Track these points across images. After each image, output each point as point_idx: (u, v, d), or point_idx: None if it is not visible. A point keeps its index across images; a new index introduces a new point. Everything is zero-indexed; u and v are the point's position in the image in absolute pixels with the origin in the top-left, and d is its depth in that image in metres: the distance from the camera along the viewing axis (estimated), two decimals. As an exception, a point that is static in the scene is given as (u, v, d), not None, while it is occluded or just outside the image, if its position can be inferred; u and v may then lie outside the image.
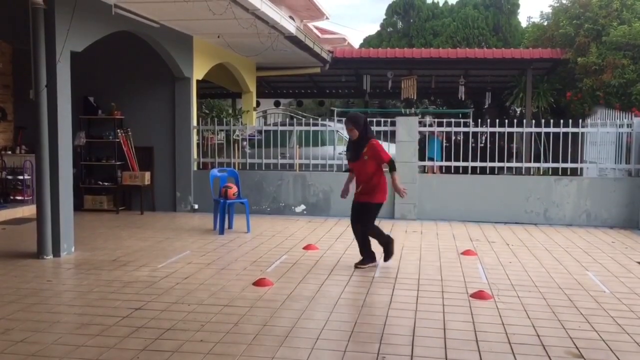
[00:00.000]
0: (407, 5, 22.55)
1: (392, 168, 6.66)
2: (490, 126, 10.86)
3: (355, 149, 6.68)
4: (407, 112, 17.55)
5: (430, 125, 11.48)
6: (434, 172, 12.07)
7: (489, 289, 6.04)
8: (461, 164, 10.71)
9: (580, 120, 11.25)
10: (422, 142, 11.96)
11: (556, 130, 10.43)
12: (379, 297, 5.73)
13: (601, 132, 11.22)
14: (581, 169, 11.02)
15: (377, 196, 6.68)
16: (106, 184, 11.28)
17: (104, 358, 4.16)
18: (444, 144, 12.84)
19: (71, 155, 7.66)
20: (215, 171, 9.61)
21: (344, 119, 6.93)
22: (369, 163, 6.60)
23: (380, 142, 6.82)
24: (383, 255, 6.99)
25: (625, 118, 11.01)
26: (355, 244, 8.32)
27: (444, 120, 11.05)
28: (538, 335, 4.72)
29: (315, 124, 11.57)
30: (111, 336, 4.58)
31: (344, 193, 7.09)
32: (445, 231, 9.49)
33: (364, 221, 6.77)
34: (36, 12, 6.99)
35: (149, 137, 11.27)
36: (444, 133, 12.02)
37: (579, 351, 4.41)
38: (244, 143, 11.82)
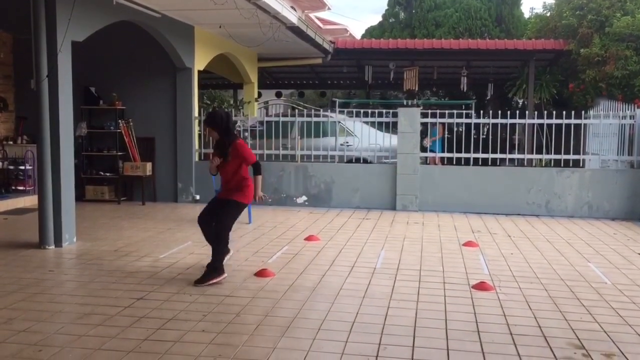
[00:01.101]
0: (410, -4, 22.42)
1: (257, 171, 6.26)
2: (493, 117, 10.84)
3: (220, 149, 6.19)
4: (409, 104, 17.52)
5: (434, 116, 11.43)
6: (435, 164, 12.05)
7: (491, 280, 6.04)
8: (463, 155, 10.68)
9: (582, 112, 11.22)
10: (422, 135, 11.93)
11: (558, 121, 10.40)
12: (381, 288, 5.73)
13: (604, 124, 11.19)
14: (583, 160, 11.00)
15: (241, 195, 6.13)
16: (107, 174, 11.29)
17: (106, 348, 4.17)
18: (446, 136, 12.80)
19: (72, 145, 7.65)
20: (216, 162, 9.58)
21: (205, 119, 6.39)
22: (231, 163, 6.12)
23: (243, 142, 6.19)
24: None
25: (628, 109, 10.98)
26: (357, 235, 8.35)
27: (446, 111, 11.01)
28: (540, 327, 4.72)
29: (316, 115, 11.54)
30: (113, 326, 4.59)
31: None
32: (447, 222, 9.48)
33: (225, 218, 6.03)
34: (37, 2, 6.96)
35: (150, 127, 11.26)
36: (446, 125, 11.97)
37: (581, 342, 4.41)
38: (246, 134, 11.80)
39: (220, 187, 6.37)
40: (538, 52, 15.47)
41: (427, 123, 11.71)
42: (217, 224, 6.04)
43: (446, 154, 11.11)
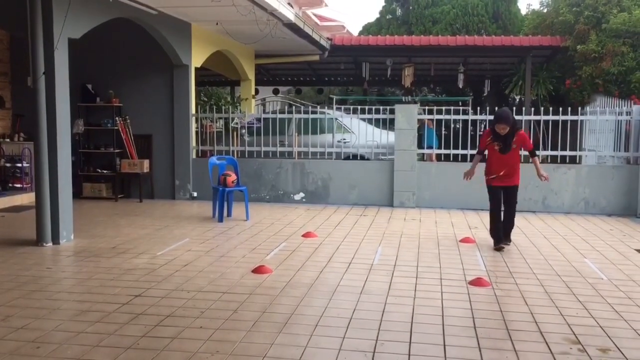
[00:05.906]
0: (407, -7, 22.40)
1: (534, 154, 7.57)
2: (490, 114, 10.82)
3: (505, 141, 7.20)
4: (406, 100, 17.54)
5: (430, 113, 11.44)
6: (432, 160, 12.06)
7: (487, 276, 6.07)
8: (460, 151, 10.70)
9: (579, 108, 11.24)
10: (417, 131, 11.95)
11: (555, 118, 10.42)
12: (378, 284, 5.75)
13: (600, 120, 11.21)
14: (580, 156, 11.02)
15: (518, 178, 7.45)
16: (105, 171, 11.28)
17: (104, 344, 4.18)
18: (443, 132, 12.82)
19: (70, 142, 7.64)
20: (214, 159, 9.60)
21: (496, 118, 7.20)
22: (516, 151, 7.34)
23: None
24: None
25: (624, 106, 11.00)
26: (354, 231, 8.36)
27: (443, 108, 11.02)
28: (536, 322, 4.75)
29: (314, 112, 11.55)
30: (111, 323, 4.60)
31: (470, 175, 7.71)
32: (444, 219, 9.50)
33: (515, 202, 7.40)
34: (33, -1, 6.95)
35: (147, 124, 11.25)
36: (443, 121, 11.97)
37: (577, 337, 4.43)
38: (243, 131, 11.81)
39: (491, 173, 7.35)
40: (535, 48, 15.49)
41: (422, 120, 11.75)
42: (510, 210, 7.35)
43: (443, 151, 11.13)
